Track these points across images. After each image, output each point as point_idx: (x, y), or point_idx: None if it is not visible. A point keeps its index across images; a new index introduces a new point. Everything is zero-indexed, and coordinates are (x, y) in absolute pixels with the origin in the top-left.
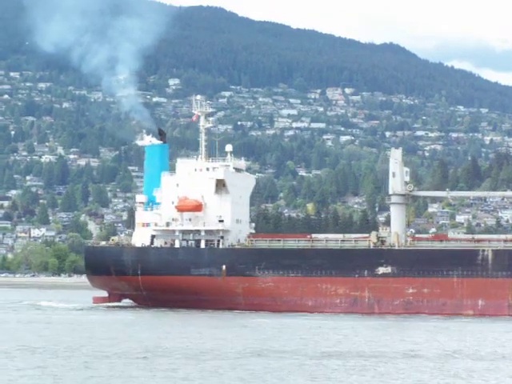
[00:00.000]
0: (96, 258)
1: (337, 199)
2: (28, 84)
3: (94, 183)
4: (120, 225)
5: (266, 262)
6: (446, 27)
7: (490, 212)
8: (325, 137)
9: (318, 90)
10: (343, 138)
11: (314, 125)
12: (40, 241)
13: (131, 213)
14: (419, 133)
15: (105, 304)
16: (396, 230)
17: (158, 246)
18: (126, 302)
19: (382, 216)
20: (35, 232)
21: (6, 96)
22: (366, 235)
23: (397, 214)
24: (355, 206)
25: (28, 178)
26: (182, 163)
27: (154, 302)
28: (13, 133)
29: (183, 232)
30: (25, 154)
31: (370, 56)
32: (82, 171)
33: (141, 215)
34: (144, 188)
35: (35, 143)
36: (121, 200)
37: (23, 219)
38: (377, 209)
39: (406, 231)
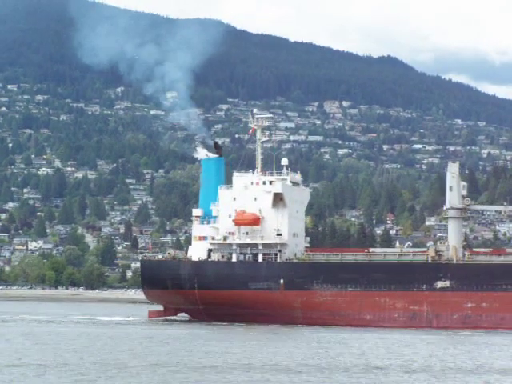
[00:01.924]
0: (152, 271)
1: (334, 212)
2: (25, 96)
3: (92, 196)
4: (117, 238)
5: (325, 276)
6: (444, 40)
7: (488, 225)
8: (322, 150)
9: (316, 103)
10: (341, 151)
11: (312, 138)
12: (37, 253)
13: (128, 225)
14: (417, 146)
15: (160, 318)
16: (454, 244)
17: (215, 259)
18: (182, 316)
19: (379, 229)
20: (32, 244)
21: (3, 108)
22: (424, 249)
23: (454, 228)
24: (352, 218)
25: (25, 190)
26: (238, 176)
27: (210, 316)
28: (10, 145)
29: (240, 246)
30: (22, 166)
31: (367, 69)
32: (79, 184)
33: (197, 229)
34: (200, 201)
35: (32, 156)
36: (118, 213)
37: (20, 232)
38: (374, 222)
39: (463, 245)
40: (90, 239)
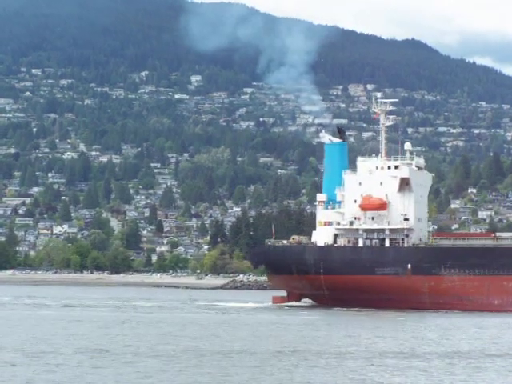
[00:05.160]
0: (277, 257)
1: None
2: (50, 81)
3: (116, 180)
4: (142, 221)
5: (452, 261)
6: (468, 22)
7: None
8: (347, 133)
9: (340, 87)
10: (365, 135)
11: (336, 121)
12: (62, 238)
13: (153, 209)
14: (441, 129)
15: (284, 304)
16: None
17: (341, 244)
18: (306, 301)
19: None
20: (57, 229)
21: (27, 93)
22: None
23: None
24: None
25: (50, 174)
26: (362, 161)
27: (335, 301)
28: (35, 130)
29: (367, 231)
30: (47, 150)
31: (391, 52)
32: (103, 168)
33: (322, 214)
34: (323, 186)
35: (57, 140)
36: (143, 197)
37: (45, 216)
38: None
39: None
40: (114, 223)
